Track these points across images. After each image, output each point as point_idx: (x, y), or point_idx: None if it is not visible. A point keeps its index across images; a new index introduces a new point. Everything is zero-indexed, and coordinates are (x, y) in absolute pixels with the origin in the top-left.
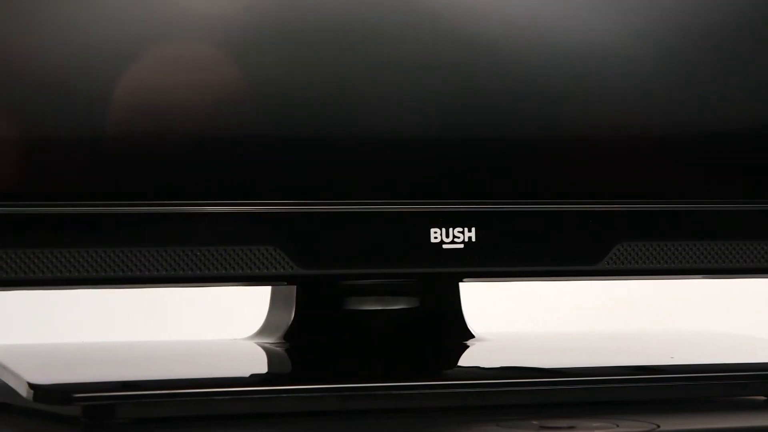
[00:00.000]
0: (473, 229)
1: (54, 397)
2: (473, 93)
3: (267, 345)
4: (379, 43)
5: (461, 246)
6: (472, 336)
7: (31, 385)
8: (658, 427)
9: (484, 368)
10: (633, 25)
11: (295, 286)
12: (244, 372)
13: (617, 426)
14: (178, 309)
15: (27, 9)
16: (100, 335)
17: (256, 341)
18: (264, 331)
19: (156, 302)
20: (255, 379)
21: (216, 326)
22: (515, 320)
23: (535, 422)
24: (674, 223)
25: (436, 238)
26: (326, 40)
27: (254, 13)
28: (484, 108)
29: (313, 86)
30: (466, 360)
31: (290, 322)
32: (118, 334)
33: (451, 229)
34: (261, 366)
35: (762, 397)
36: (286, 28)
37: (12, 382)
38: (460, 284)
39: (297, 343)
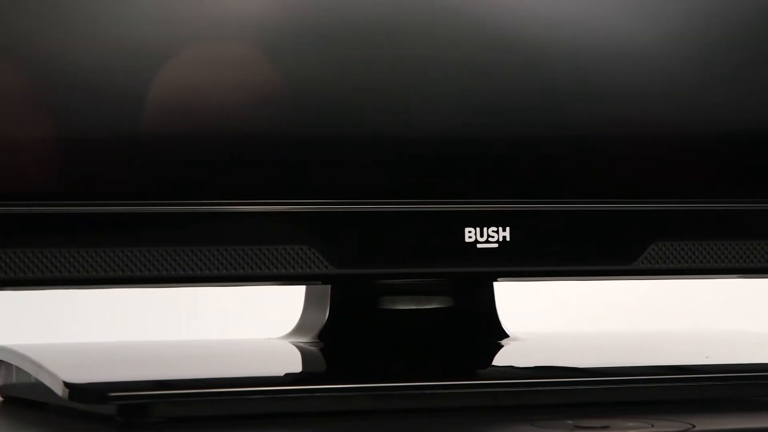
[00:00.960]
0: (507, 228)
1: (89, 396)
2: (508, 92)
3: (301, 344)
4: (413, 43)
5: (495, 245)
6: (506, 335)
7: (67, 384)
8: (693, 426)
9: (518, 368)
10: (667, 22)
11: (329, 286)
12: (279, 371)
13: (652, 426)
14: (213, 308)
15: (59, 9)
16: (133, 334)
17: (290, 340)
18: (298, 330)
19: (190, 301)
20: (289, 378)
21: (250, 325)
22: (549, 319)
23: (569, 422)
24: (709, 223)
25: (470, 237)
26: (359, 40)
27: (288, 13)
28: (519, 107)
29: (348, 86)
30: (500, 360)
31: (324, 322)
32: (152, 333)
33: (485, 229)
34: (295, 365)
35: None
36: (322, 29)
37: (48, 381)
38: (494, 284)
39: (331, 343)
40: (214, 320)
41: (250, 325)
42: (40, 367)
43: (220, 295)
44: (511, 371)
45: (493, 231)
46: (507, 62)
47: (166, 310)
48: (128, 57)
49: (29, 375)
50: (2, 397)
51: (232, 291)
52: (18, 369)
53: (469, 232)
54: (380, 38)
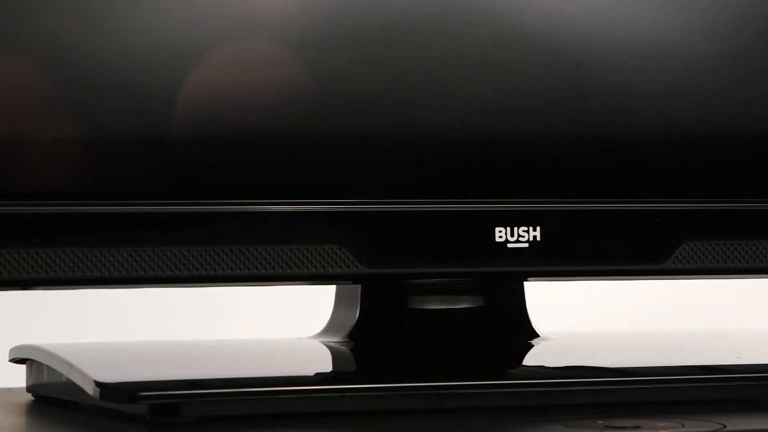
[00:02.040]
0: (538, 228)
1: (120, 395)
2: (538, 92)
3: (332, 344)
4: (443, 42)
5: (526, 245)
6: (536, 335)
7: (98, 384)
8: (724, 427)
9: (549, 368)
10: (697, 21)
11: (359, 285)
12: (309, 371)
13: (683, 426)
14: (243, 308)
15: (91, 10)
16: (164, 334)
17: (320, 340)
18: (329, 330)
19: (221, 301)
20: (320, 378)
21: (281, 325)
22: (579, 318)
23: (600, 422)
24: (741, 222)
25: (500, 237)
26: (391, 39)
27: (318, 12)
28: (549, 107)
29: (378, 86)
30: (530, 359)
31: (355, 321)
32: (183, 333)
33: (516, 228)
34: (326, 365)
35: None
36: (349, 28)
37: (79, 381)
38: (525, 283)
39: (361, 342)
40: (244, 319)
41: (281, 325)
42: (71, 366)
43: (249, 294)
44: (541, 371)
45: (523, 231)
46: (538, 62)
47: (195, 310)
48: (152, 56)
49: (60, 374)
50: (33, 396)
51: (262, 290)
52: (49, 368)
53: (500, 231)
54: (412, 37)
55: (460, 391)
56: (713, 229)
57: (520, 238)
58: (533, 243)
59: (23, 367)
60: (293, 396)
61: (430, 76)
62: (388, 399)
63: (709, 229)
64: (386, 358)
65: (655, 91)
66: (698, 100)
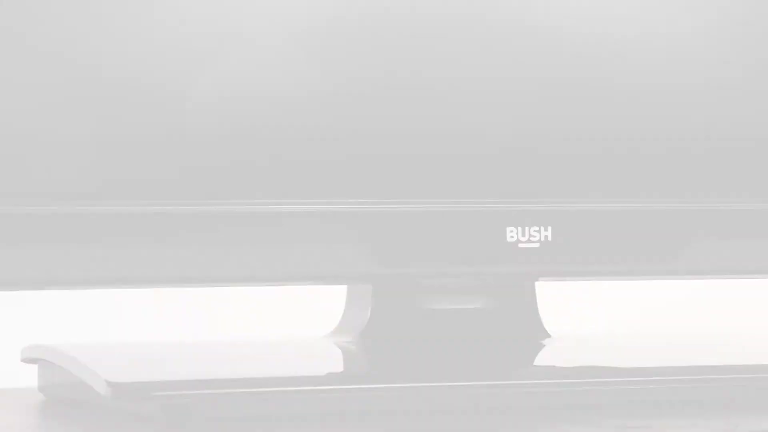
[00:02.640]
0: (549, 228)
1: (132, 394)
2: (551, 92)
3: (343, 343)
4: (455, 42)
5: (537, 245)
6: (548, 335)
7: (110, 383)
8: (737, 427)
9: (561, 368)
10: (709, 23)
11: (371, 285)
12: (321, 370)
13: (695, 426)
14: (255, 308)
15: (98, 9)
16: (173, 333)
17: (332, 339)
18: (340, 329)
19: (232, 301)
20: (332, 377)
21: (292, 325)
22: (591, 319)
23: (612, 422)
24: (753, 222)
25: (512, 237)
26: (398, 38)
27: (337, 11)
28: (561, 107)
29: (391, 85)
30: (542, 359)
31: (366, 321)
32: (193, 332)
33: (527, 229)
34: (337, 364)
35: None
36: (359, 28)
37: (90, 380)
38: (536, 283)
39: (373, 342)
40: (255, 319)
41: (292, 325)
42: (82, 365)
43: (262, 294)
44: (553, 371)
45: (534, 231)
46: (549, 62)
47: (206, 310)
48: (167, 57)
49: (72, 374)
50: (45, 396)
51: (274, 290)
52: (60, 368)
53: (511, 231)
54: (421, 36)
55: (471, 392)
56: (725, 229)
57: (532, 238)
58: (544, 243)
59: (35, 367)
60: (305, 396)
61: (442, 75)
62: (400, 399)
63: (721, 229)
64: (398, 358)
65: (667, 90)
66: (711, 100)
